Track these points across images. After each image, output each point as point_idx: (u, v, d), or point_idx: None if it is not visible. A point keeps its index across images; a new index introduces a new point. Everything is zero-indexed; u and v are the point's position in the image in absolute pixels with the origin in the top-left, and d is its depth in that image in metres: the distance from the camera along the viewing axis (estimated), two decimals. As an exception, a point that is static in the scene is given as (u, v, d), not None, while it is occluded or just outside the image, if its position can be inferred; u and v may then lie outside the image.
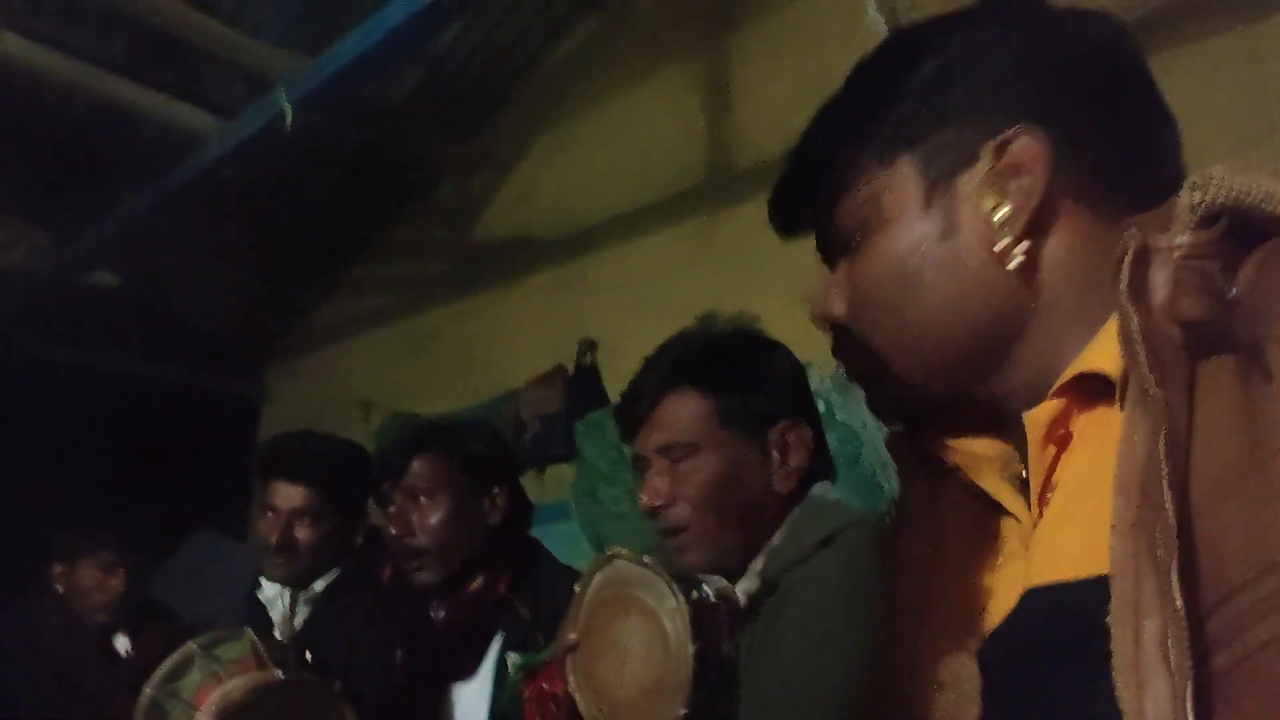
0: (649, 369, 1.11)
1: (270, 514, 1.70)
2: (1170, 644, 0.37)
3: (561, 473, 3.35)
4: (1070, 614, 0.45)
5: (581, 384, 3.37)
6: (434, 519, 1.43)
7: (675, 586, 0.98)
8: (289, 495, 1.70)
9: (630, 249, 3.35)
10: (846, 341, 0.61)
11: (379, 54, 2.30)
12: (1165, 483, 0.39)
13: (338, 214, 4.38)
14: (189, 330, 4.79)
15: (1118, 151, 0.53)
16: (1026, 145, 0.51)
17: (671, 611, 0.97)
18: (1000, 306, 0.52)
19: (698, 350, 1.10)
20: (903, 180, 0.56)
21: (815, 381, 2.31)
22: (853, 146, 0.58)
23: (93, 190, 3.62)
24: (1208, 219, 0.43)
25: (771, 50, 3.05)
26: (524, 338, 3.68)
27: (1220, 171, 0.44)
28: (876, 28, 2.36)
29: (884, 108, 0.57)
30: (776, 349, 1.13)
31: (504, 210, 3.95)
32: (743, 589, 1.03)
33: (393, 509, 1.45)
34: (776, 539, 1.04)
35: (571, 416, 3.30)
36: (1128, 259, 0.44)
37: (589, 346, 3.39)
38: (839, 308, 0.60)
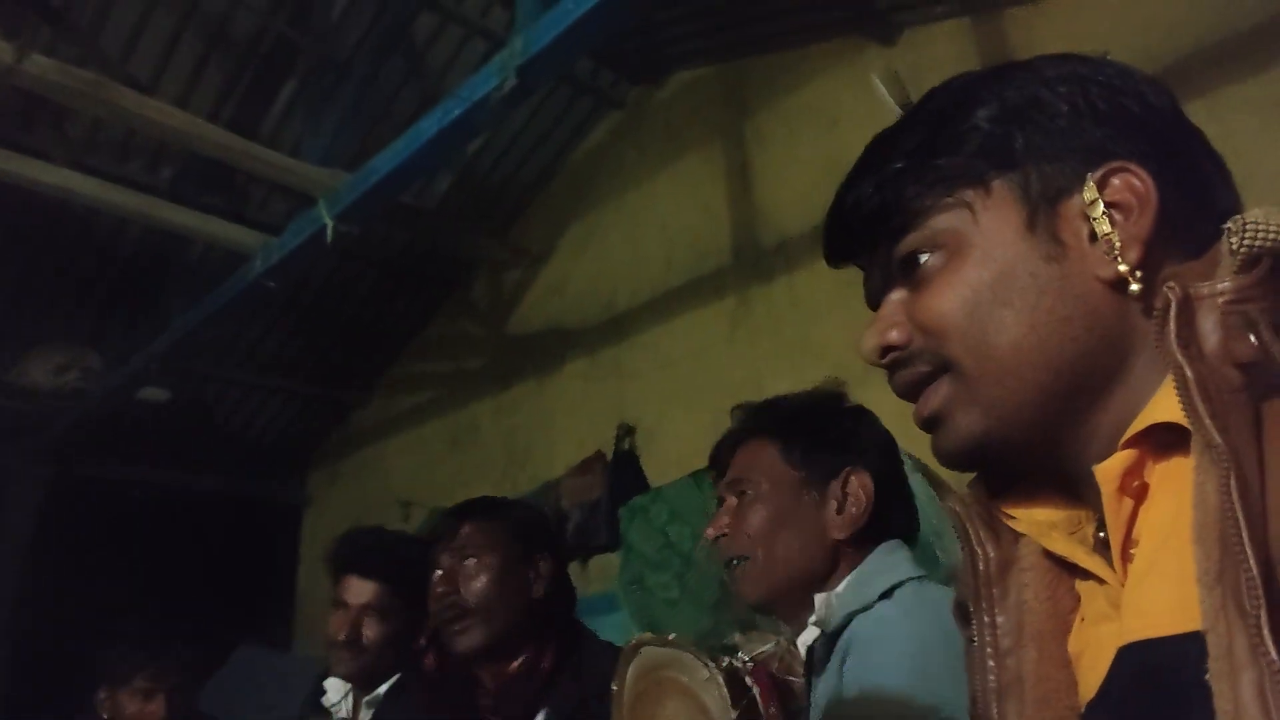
0: (739, 420, 1.21)
1: (340, 610, 1.71)
2: (1269, 697, 0.36)
3: (606, 564, 3.31)
4: (1168, 671, 0.43)
5: (621, 469, 3.36)
6: (481, 579, 1.45)
7: (704, 657, 0.98)
8: (360, 591, 1.71)
9: (662, 333, 3.40)
10: (908, 380, 0.58)
11: (414, 165, 2.42)
12: (1244, 534, 0.38)
13: (375, 316, 4.50)
14: (234, 440, 4.88)
15: (1192, 199, 0.53)
16: (1130, 180, 0.51)
17: (705, 683, 0.97)
18: (1102, 336, 0.51)
19: (777, 405, 1.19)
20: (1000, 202, 0.54)
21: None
22: (932, 167, 0.55)
23: (144, 310, 3.78)
24: (1249, 262, 0.43)
25: (787, 132, 3.15)
26: (563, 427, 3.70)
27: (1258, 214, 0.44)
28: (887, 104, 2.44)
29: (970, 128, 0.55)
30: (858, 412, 1.19)
31: (537, 303, 4.04)
32: (802, 641, 1.05)
33: (440, 571, 1.48)
34: (841, 588, 1.06)
35: (613, 503, 3.28)
36: (1172, 311, 0.43)
37: (627, 431, 3.40)
38: (897, 337, 0.57)
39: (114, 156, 3.33)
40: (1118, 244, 0.50)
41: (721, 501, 1.17)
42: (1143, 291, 0.50)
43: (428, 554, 1.57)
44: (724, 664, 0.97)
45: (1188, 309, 0.44)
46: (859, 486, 1.09)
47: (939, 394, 0.55)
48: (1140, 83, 0.55)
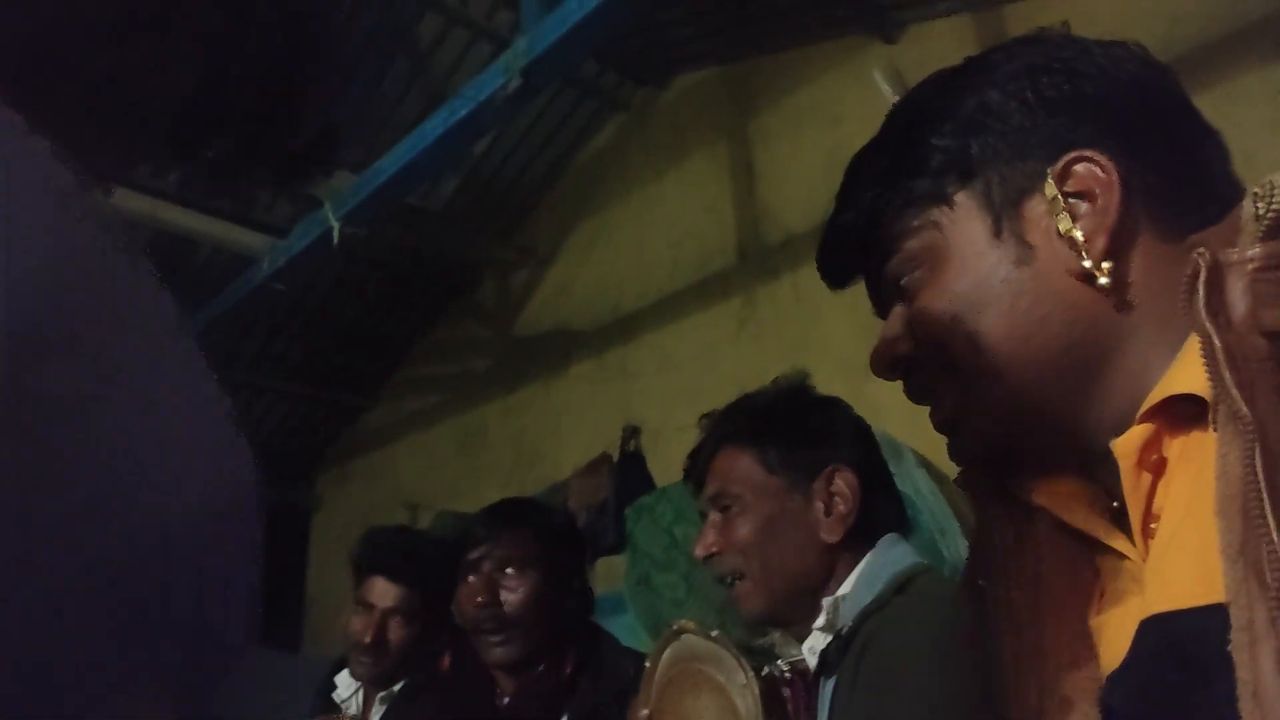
0: (709, 429, 1.16)
1: (364, 611, 1.66)
2: None
3: (613, 564, 3.31)
4: (1191, 643, 0.43)
5: (628, 470, 3.36)
6: (522, 593, 1.43)
7: (745, 662, 0.97)
8: (386, 593, 1.67)
9: (668, 333, 3.40)
10: (919, 388, 0.59)
11: (419, 167, 2.43)
12: (1267, 505, 0.38)
13: (383, 318, 4.52)
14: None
15: (1171, 170, 0.53)
16: (1091, 169, 0.51)
17: (741, 688, 0.96)
18: (1086, 328, 0.52)
19: (745, 408, 1.15)
20: (965, 214, 0.55)
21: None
22: (900, 191, 0.57)
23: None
24: (1276, 226, 0.43)
25: (791, 131, 3.15)
26: (569, 428, 3.71)
27: None
28: (890, 101, 2.44)
29: (929, 147, 0.56)
30: (828, 403, 1.14)
31: (544, 304, 4.05)
32: (809, 647, 1.03)
33: (473, 579, 1.44)
34: (845, 589, 1.03)
35: (620, 504, 3.28)
36: (1202, 277, 0.42)
37: (633, 432, 3.40)
38: (902, 350, 0.59)
39: (122, 161, 3.35)
40: (1081, 238, 0.51)
41: (703, 516, 1.13)
42: (1113, 284, 0.50)
43: (452, 556, 1.55)
44: (763, 672, 0.97)
45: (1217, 275, 0.43)
46: (844, 484, 1.06)
47: (947, 403, 0.57)
48: (1098, 57, 0.55)
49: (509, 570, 1.44)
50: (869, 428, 1.14)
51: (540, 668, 1.43)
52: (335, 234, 2.60)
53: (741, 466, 1.09)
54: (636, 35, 3.31)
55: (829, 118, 2.99)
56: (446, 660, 1.59)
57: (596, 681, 1.41)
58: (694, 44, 3.42)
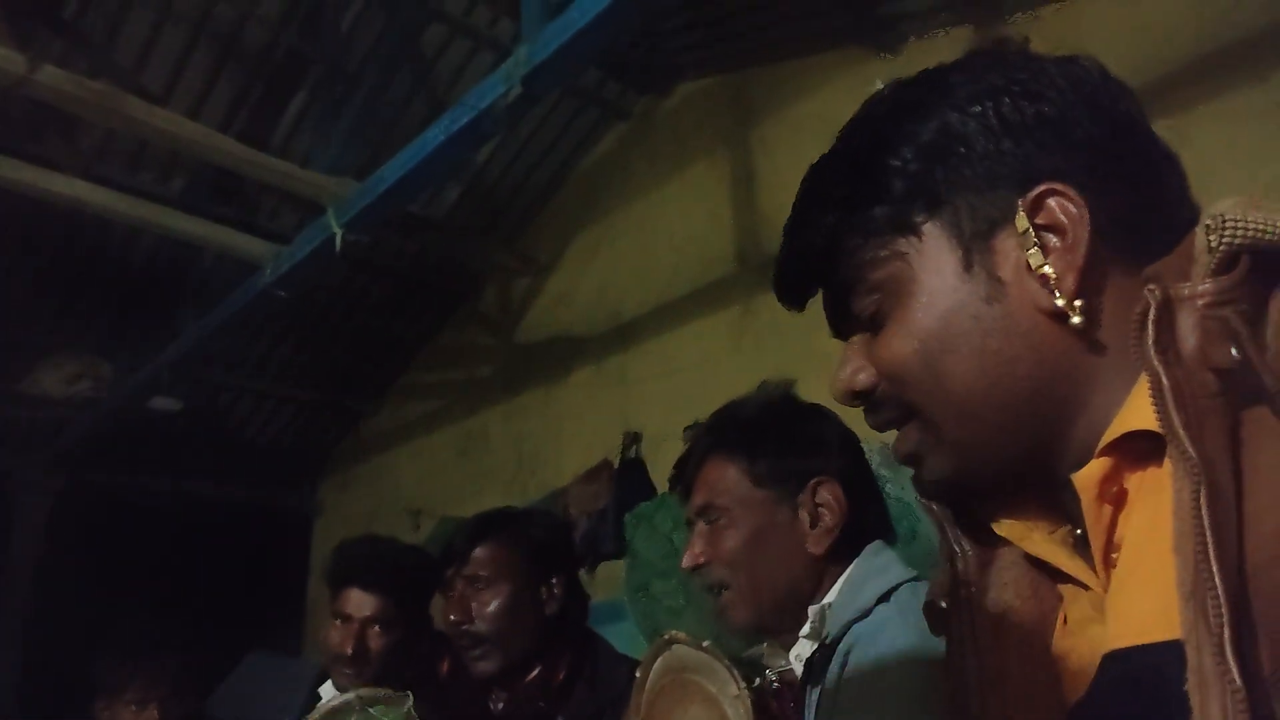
0: (696, 438, 1.17)
1: (342, 623, 1.68)
2: (1230, 718, 0.36)
3: (613, 570, 3.31)
4: (1151, 679, 0.42)
5: (628, 477, 3.36)
6: (493, 606, 1.45)
7: (736, 673, 0.98)
8: (362, 603, 1.69)
9: (669, 341, 3.40)
10: (882, 420, 0.58)
11: (421, 174, 2.44)
12: (1210, 552, 0.38)
13: (386, 325, 4.53)
14: (245, 449, 4.91)
15: (1134, 198, 0.51)
16: (1062, 202, 0.50)
17: (733, 699, 0.97)
18: (1054, 368, 0.50)
19: (732, 417, 1.15)
20: (934, 246, 0.52)
21: (863, 458, 2.29)
22: (862, 218, 0.54)
23: (155, 320, 3.82)
24: (1227, 260, 0.42)
25: (792, 140, 3.16)
26: (570, 435, 3.71)
27: (1231, 208, 0.42)
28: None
29: (889, 170, 0.53)
30: (815, 413, 1.13)
31: (545, 311, 4.06)
32: (796, 655, 1.03)
33: (452, 595, 1.47)
34: (831, 597, 1.04)
35: (620, 510, 3.28)
36: (1151, 314, 0.42)
37: (633, 439, 3.40)
38: (864, 381, 0.56)
39: (126, 167, 3.37)
40: (1052, 275, 0.49)
41: (690, 525, 1.14)
42: (1085, 323, 0.49)
43: (427, 563, 1.57)
44: (754, 683, 0.98)
45: (1168, 311, 0.42)
46: (830, 497, 1.06)
47: (910, 438, 0.56)
48: (1056, 77, 0.53)
49: (481, 587, 1.47)
50: (855, 436, 1.13)
51: (532, 674, 1.44)
52: (338, 241, 2.61)
53: (729, 478, 1.09)
54: (638, 44, 3.33)
55: (830, 128, 2.94)
56: (446, 665, 1.60)
57: (591, 688, 1.43)
58: (695, 53, 3.44)
